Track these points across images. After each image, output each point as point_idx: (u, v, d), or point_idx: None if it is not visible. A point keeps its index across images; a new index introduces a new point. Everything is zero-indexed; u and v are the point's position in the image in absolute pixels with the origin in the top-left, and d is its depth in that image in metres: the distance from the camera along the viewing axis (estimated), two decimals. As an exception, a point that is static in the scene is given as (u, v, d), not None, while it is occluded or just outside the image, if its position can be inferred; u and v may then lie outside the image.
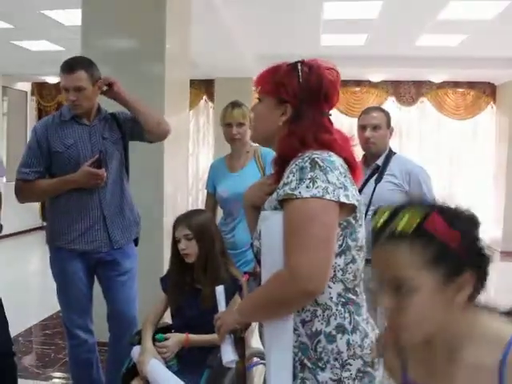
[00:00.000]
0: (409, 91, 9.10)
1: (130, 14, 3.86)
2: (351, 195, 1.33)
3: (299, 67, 1.42)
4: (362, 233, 1.41)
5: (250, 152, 3.02)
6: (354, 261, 1.37)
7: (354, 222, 1.36)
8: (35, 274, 7.02)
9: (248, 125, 2.98)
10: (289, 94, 1.41)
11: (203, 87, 9.43)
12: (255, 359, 2.77)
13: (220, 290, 1.75)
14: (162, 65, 3.84)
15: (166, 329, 2.46)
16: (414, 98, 9.09)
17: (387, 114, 2.94)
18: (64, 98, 9.05)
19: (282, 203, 1.33)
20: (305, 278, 1.24)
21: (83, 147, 2.60)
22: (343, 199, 1.30)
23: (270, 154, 3.04)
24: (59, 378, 3.60)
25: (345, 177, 1.34)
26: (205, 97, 9.58)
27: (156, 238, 3.61)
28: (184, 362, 2.31)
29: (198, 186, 9.79)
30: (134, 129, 2.71)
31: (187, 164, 4.77)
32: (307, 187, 1.28)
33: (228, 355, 1.60)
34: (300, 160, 1.34)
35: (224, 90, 8.33)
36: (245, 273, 2.60)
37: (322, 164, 1.31)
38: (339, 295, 1.35)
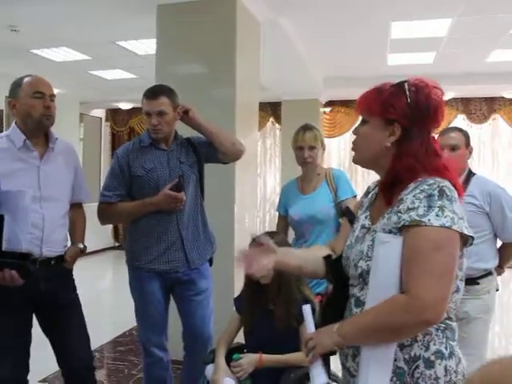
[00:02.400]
0: (480, 108, 8.80)
1: (201, 42, 3.99)
2: (468, 226, 1.31)
3: (406, 87, 1.41)
4: (465, 262, 1.39)
5: (322, 174, 3.03)
6: (458, 290, 1.37)
7: (464, 252, 1.36)
8: (108, 292, 7.26)
9: (320, 148, 3.00)
10: (398, 114, 1.39)
11: (270, 109, 9.55)
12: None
13: (307, 309, 1.66)
14: (233, 89, 3.94)
15: (239, 348, 2.48)
16: (485, 115, 8.79)
17: (466, 134, 2.87)
18: (135, 123, 9.39)
19: (404, 228, 1.31)
20: (429, 307, 1.23)
21: (162, 171, 2.70)
22: (465, 231, 1.29)
23: (341, 175, 3.06)
24: (133, 393, 3.70)
25: (461, 207, 1.33)
26: (272, 119, 9.69)
27: (227, 259, 3.66)
28: (258, 381, 2.31)
29: (265, 208, 9.85)
30: (209, 151, 2.79)
31: (256, 186, 4.82)
32: (437, 216, 1.27)
33: (321, 378, 1.51)
34: (426, 186, 1.32)
35: (291, 112, 8.42)
36: (317, 294, 2.59)
37: (448, 193, 1.30)
38: (440, 322, 1.33)
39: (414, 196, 1.32)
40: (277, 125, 9.66)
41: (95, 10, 4.69)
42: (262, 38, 4.54)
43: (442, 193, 1.30)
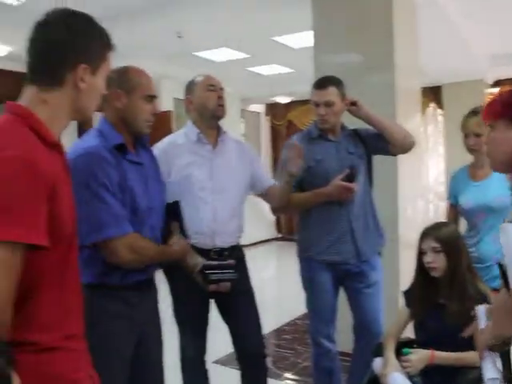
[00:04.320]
0: None
1: (358, 30, 3.93)
2: None
3: None
4: None
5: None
6: None
7: None
8: (272, 282, 7.51)
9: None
10: None
11: (430, 94, 9.09)
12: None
13: (481, 309, 1.66)
14: (392, 75, 3.82)
15: (408, 343, 2.39)
16: None
17: None
18: (293, 116, 9.59)
19: None
20: None
21: (331, 162, 2.72)
22: None
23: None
24: (298, 381, 3.76)
25: None
26: (432, 104, 9.23)
27: (391, 251, 3.57)
28: (429, 379, 2.22)
29: (428, 197, 9.42)
30: (379, 144, 2.75)
31: (419, 175, 4.63)
32: None
33: (489, 373, 1.47)
34: None
35: (453, 95, 8.05)
36: (493, 289, 2.41)
37: None
38: None
39: None
40: (438, 110, 9.18)
41: (252, 8, 4.86)
42: (419, 20, 4.32)
43: None
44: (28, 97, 1.24)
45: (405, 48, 3.99)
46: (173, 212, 2.16)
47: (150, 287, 2.11)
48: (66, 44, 1.25)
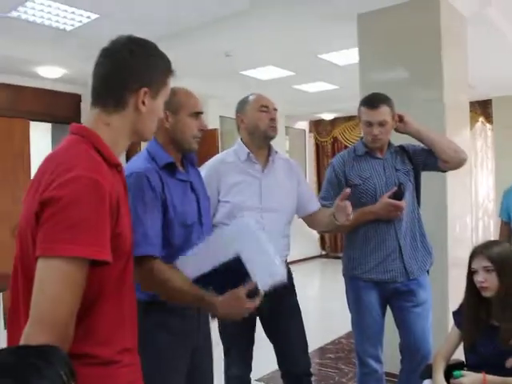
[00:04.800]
0: None
1: (404, 46, 3.91)
2: None
3: None
4: None
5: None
6: None
7: None
8: (315, 300, 7.42)
9: None
10: None
11: (479, 109, 8.89)
12: None
13: None
14: (440, 91, 3.77)
15: (458, 366, 2.32)
16: None
17: None
18: (338, 133, 9.45)
19: None
20: None
21: (379, 180, 2.69)
22: None
23: None
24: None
25: None
26: (481, 119, 9.01)
27: (440, 270, 3.49)
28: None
29: (477, 214, 9.17)
30: (428, 160, 2.70)
31: (468, 191, 4.52)
32: None
33: None
34: None
35: (503, 109, 7.86)
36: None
37: None
38: None
39: None
40: (488, 125, 8.96)
41: (298, 26, 4.88)
42: (468, 33, 4.26)
43: None
44: (92, 119, 1.31)
45: (453, 62, 3.93)
46: (237, 269, 1.76)
47: None
48: (130, 69, 1.31)
